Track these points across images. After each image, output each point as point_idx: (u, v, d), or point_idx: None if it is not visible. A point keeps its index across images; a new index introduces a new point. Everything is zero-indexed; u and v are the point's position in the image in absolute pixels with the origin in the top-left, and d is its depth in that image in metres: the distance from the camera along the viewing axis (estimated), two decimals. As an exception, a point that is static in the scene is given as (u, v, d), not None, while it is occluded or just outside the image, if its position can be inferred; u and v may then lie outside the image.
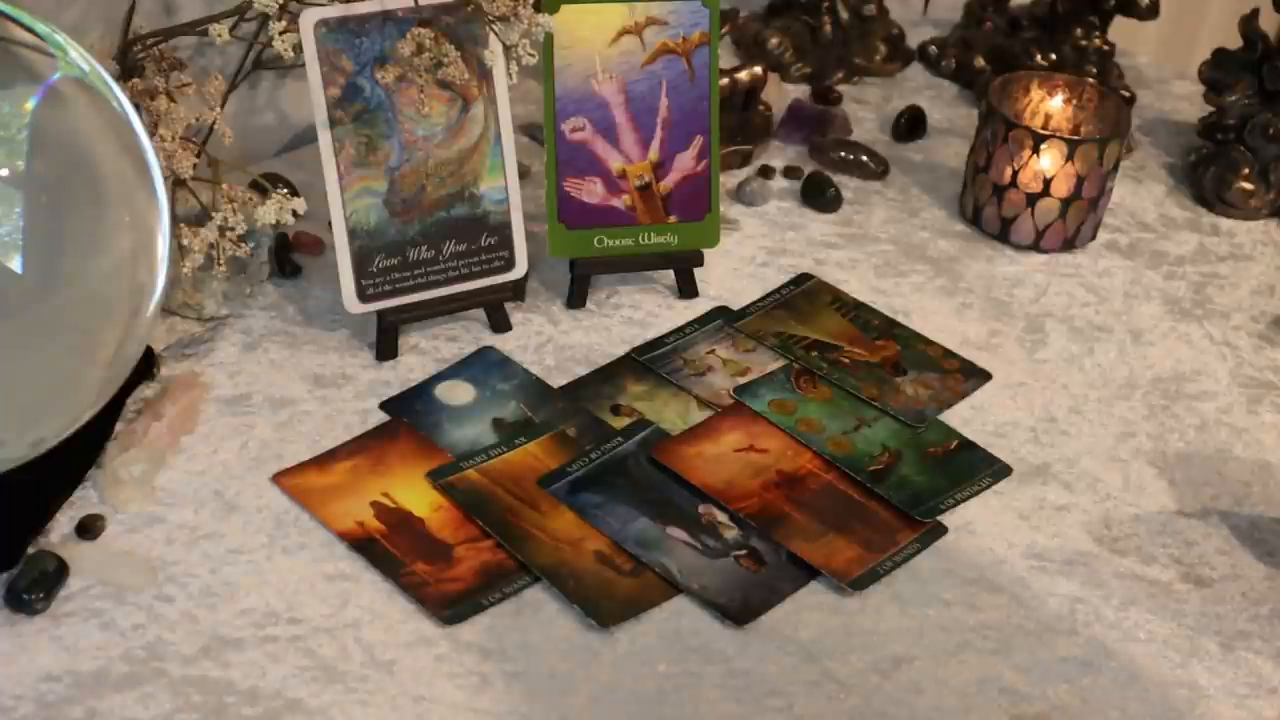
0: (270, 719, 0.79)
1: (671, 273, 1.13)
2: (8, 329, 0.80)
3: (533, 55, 0.99)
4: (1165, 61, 1.59)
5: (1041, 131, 1.19)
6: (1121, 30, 1.47)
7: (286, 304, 1.09)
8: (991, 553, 0.94)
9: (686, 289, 1.13)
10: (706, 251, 1.12)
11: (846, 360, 1.08)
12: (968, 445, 1.02)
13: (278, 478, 0.94)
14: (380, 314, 1.03)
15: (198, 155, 1.00)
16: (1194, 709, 0.85)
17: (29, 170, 0.80)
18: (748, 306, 1.13)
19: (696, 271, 1.13)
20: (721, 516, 0.94)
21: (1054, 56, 1.43)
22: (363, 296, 1.02)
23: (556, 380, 1.04)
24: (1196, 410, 1.08)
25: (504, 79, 1.02)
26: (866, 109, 1.41)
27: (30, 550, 0.86)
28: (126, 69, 1.03)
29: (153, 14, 1.11)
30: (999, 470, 1.00)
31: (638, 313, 1.11)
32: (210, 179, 1.03)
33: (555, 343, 1.08)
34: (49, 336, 0.83)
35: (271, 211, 0.98)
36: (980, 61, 1.46)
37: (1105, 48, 1.45)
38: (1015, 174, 1.20)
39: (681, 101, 1.08)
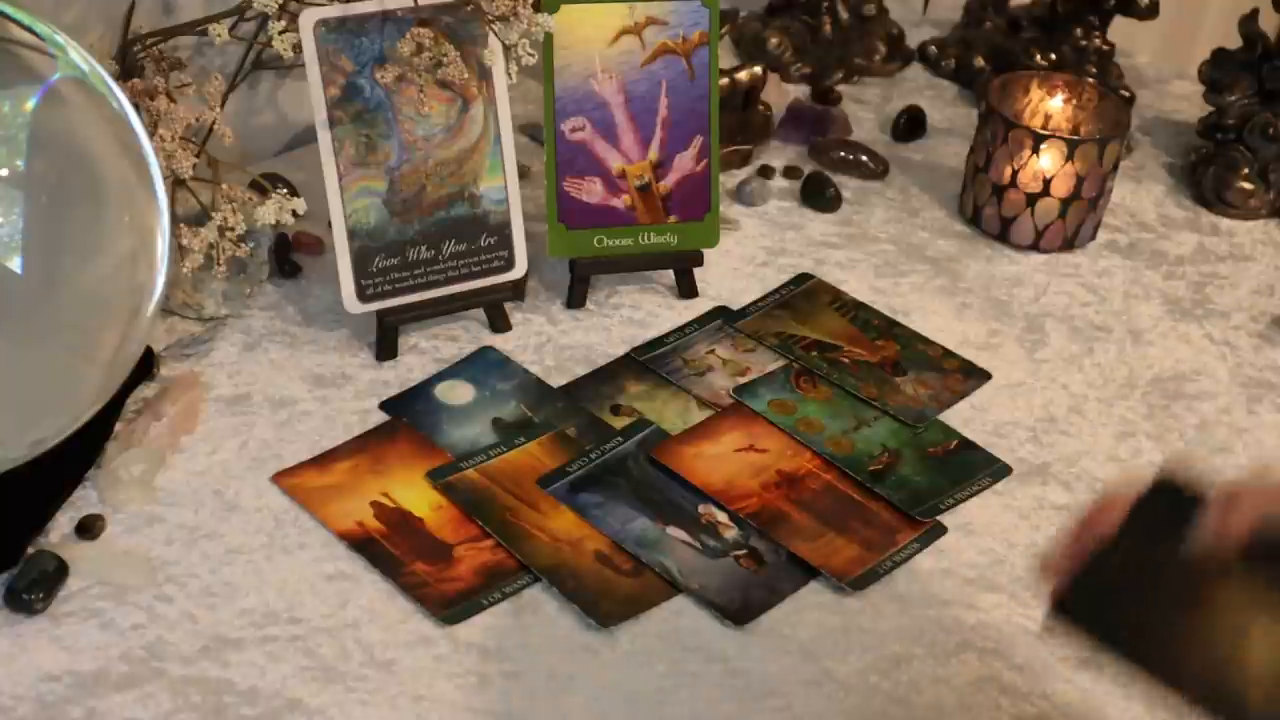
0: (270, 719, 0.79)
1: (671, 273, 1.13)
2: (7, 329, 0.80)
3: (532, 55, 0.99)
4: (1165, 61, 1.59)
5: (1041, 131, 1.19)
6: (1121, 30, 1.47)
7: (286, 304, 1.09)
8: (991, 553, 0.94)
9: (686, 289, 1.13)
10: (706, 251, 1.12)
11: (846, 360, 1.08)
12: (968, 445, 1.02)
13: (277, 478, 0.94)
14: (380, 314, 1.03)
15: (197, 155, 1.00)
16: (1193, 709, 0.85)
17: (29, 170, 0.80)
18: (747, 306, 1.13)
19: (696, 271, 1.13)
20: (721, 516, 0.94)
21: (1054, 56, 1.43)
22: (362, 296, 1.02)
23: (556, 380, 1.04)
24: (1196, 410, 1.08)
25: (504, 79, 1.02)
26: (866, 109, 1.41)
27: (30, 550, 0.86)
28: (126, 69, 1.03)
29: (153, 14, 1.11)
30: (999, 470, 1.00)
31: (638, 313, 1.11)
32: (210, 179, 1.03)
33: (555, 343, 1.08)
34: (49, 336, 0.83)
35: (271, 211, 0.99)
36: (980, 61, 1.46)
37: (1105, 48, 1.45)
38: (1015, 174, 1.20)
39: (681, 101, 1.08)
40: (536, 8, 0.99)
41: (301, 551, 0.89)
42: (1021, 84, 1.26)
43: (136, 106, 0.91)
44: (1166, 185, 1.35)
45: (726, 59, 1.43)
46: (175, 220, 0.96)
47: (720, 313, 1.12)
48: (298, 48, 0.97)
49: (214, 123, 1.01)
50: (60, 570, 0.85)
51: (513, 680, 0.83)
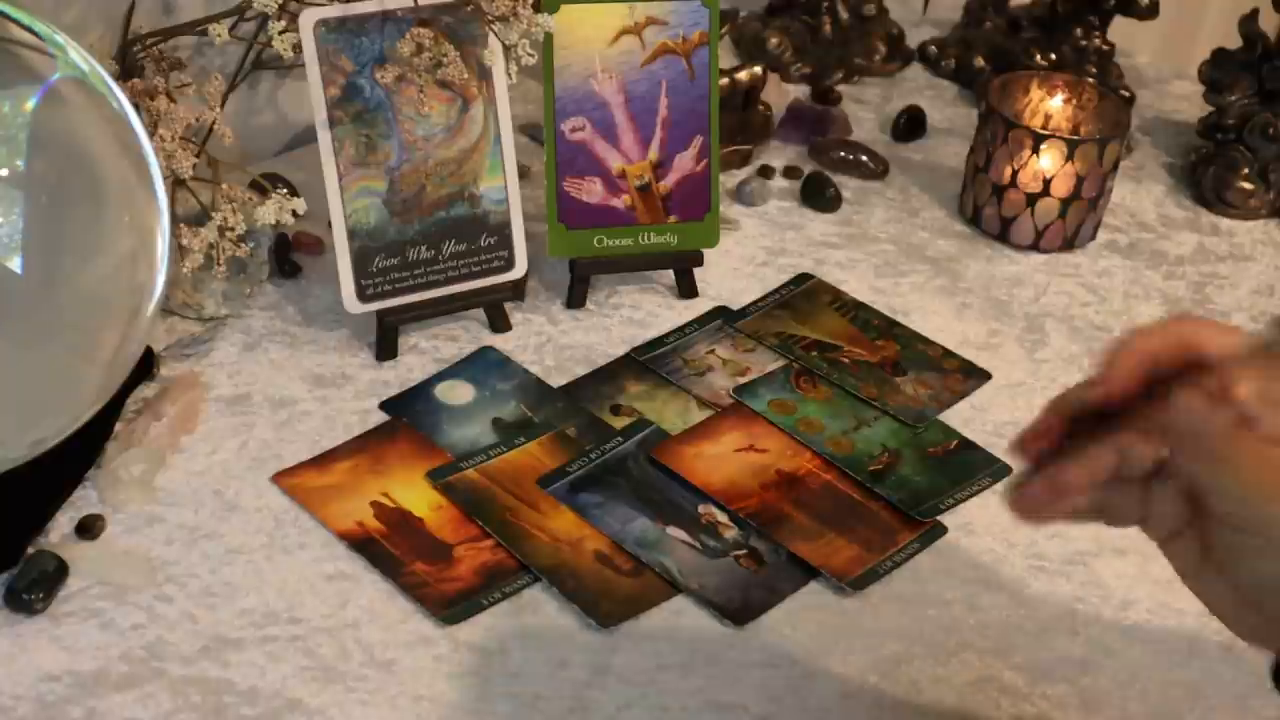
0: (270, 719, 0.79)
1: (671, 273, 1.13)
2: (8, 329, 0.80)
3: (532, 55, 0.99)
4: (1165, 61, 1.59)
5: (1041, 131, 1.19)
6: (1121, 30, 1.47)
7: (286, 304, 1.09)
8: (992, 552, 0.94)
9: (686, 289, 1.13)
10: (706, 251, 1.12)
11: (846, 360, 1.08)
12: (968, 445, 1.02)
13: (277, 478, 0.94)
14: (380, 314, 1.03)
15: (198, 155, 1.00)
16: (1194, 709, 0.85)
17: (29, 170, 0.80)
18: (747, 306, 1.13)
19: (696, 271, 1.13)
20: (721, 516, 0.94)
21: (1054, 56, 1.43)
22: (362, 296, 1.02)
23: (556, 380, 1.04)
24: (1196, 410, 1.07)
25: (504, 79, 1.02)
26: (866, 109, 1.41)
27: (30, 550, 0.86)
28: (126, 69, 1.03)
29: (153, 14, 1.11)
30: (999, 470, 1.00)
31: (638, 313, 1.11)
32: (210, 179, 1.03)
33: (555, 343, 1.08)
34: (49, 336, 0.83)
35: (271, 211, 0.99)
36: (980, 61, 1.46)
37: (1105, 48, 1.45)
38: (1015, 174, 1.20)
39: (681, 101, 1.08)
40: (536, 8, 0.99)
41: (301, 551, 0.89)
42: (1021, 84, 1.26)
43: (136, 106, 0.91)
44: (1166, 185, 1.35)
45: (726, 59, 1.43)
46: (175, 220, 0.96)
47: (720, 313, 1.12)
48: (298, 48, 0.97)
49: (214, 123, 1.01)
50: (60, 570, 0.85)
51: (513, 680, 0.83)
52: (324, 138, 0.99)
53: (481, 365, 1.05)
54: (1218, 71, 1.34)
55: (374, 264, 1.02)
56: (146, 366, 0.99)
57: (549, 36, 1.03)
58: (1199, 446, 0.61)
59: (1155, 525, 0.66)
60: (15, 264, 0.79)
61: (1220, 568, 0.64)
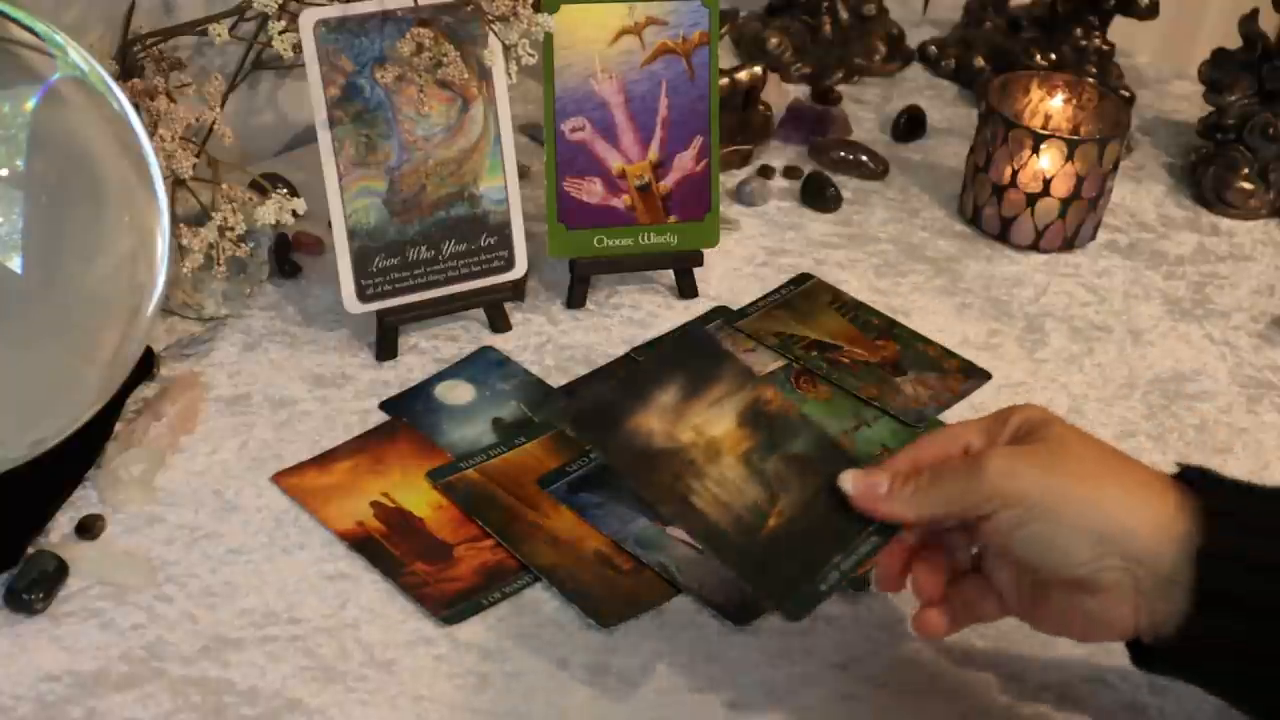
0: (270, 719, 0.79)
1: (671, 273, 1.13)
2: (7, 329, 0.80)
3: (532, 55, 0.99)
4: (1165, 61, 1.59)
5: (1041, 131, 1.19)
6: (1121, 30, 1.48)
7: (286, 304, 1.09)
8: (991, 553, 0.94)
9: (686, 289, 1.13)
10: (706, 251, 1.12)
11: (846, 360, 1.08)
12: (967, 445, 1.02)
13: (277, 478, 0.94)
14: (380, 314, 1.03)
15: (197, 155, 1.00)
16: (1193, 709, 0.85)
17: (29, 170, 0.80)
18: (747, 306, 1.13)
19: (696, 271, 1.13)
20: (721, 516, 0.94)
21: (1054, 56, 1.43)
22: (362, 296, 1.02)
23: (556, 380, 1.04)
24: (1196, 410, 1.08)
25: (504, 79, 1.02)
26: (866, 109, 1.41)
27: (30, 550, 0.86)
28: (126, 69, 1.03)
29: (153, 14, 1.11)
30: (999, 470, 1.00)
31: (638, 313, 1.11)
32: (210, 179, 1.03)
33: (555, 343, 1.08)
34: (49, 336, 0.83)
35: (271, 211, 0.99)
36: (980, 61, 1.46)
37: (1105, 48, 1.45)
38: (1015, 174, 1.20)
39: (681, 101, 1.08)
40: (536, 8, 0.99)
41: (301, 551, 0.89)
42: (1021, 84, 1.26)
43: (136, 106, 0.91)
44: (1166, 185, 1.35)
45: (726, 59, 1.43)
46: (175, 220, 0.96)
47: (720, 312, 1.12)
48: (298, 48, 0.97)
49: (214, 123, 1.01)
50: (60, 570, 0.85)
51: (513, 680, 0.83)
52: (324, 138, 0.99)
53: (481, 365, 1.05)
54: (1218, 71, 1.34)
55: (374, 264, 1.02)
56: (146, 366, 0.99)
57: (549, 36, 1.03)
58: (962, 491, 0.74)
59: (1009, 595, 0.78)
60: (15, 264, 0.79)
61: (1036, 583, 0.75)
